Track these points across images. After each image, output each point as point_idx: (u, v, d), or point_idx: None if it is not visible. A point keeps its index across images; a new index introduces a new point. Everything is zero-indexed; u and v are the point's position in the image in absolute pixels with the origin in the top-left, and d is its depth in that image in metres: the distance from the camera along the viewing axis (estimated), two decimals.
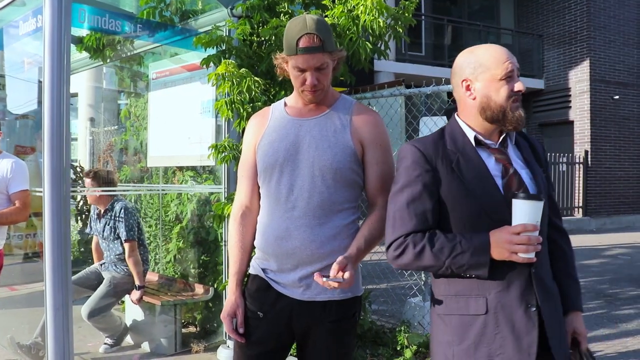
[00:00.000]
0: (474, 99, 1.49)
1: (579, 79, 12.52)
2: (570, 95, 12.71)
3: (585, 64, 12.35)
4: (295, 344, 1.79)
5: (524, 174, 1.49)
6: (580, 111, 12.49)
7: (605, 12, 12.54)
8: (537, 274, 1.44)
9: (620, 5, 12.76)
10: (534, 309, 1.42)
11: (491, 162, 1.48)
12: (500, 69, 1.45)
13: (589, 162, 12.30)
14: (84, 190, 5.58)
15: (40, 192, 2.59)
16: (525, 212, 1.35)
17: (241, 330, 1.72)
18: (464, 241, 1.40)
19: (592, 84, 12.31)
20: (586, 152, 12.32)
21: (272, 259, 1.71)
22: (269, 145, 1.71)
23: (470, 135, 1.51)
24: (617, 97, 12.62)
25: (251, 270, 1.79)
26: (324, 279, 1.45)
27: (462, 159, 1.48)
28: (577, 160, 12.24)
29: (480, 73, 1.47)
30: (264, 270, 1.74)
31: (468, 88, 1.51)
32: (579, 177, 12.20)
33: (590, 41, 12.32)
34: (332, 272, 1.46)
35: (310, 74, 1.64)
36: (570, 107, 12.70)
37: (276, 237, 1.67)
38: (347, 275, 1.46)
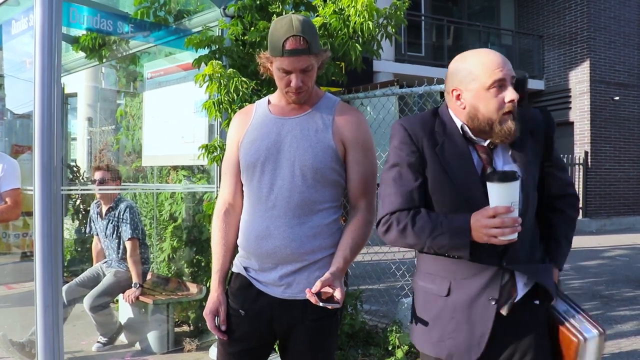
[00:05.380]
0: (464, 108, 1.45)
1: (579, 79, 12.49)
2: (570, 96, 12.68)
3: (586, 65, 12.31)
4: (277, 344, 1.79)
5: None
6: (580, 112, 12.46)
7: (605, 13, 12.51)
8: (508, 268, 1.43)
9: (621, 6, 12.72)
10: (494, 302, 1.41)
11: (475, 158, 1.46)
12: (489, 77, 1.36)
13: (589, 163, 12.27)
14: (81, 189, 5.58)
15: (32, 190, 2.60)
16: (497, 194, 1.33)
17: (223, 328, 1.73)
18: (445, 222, 1.40)
19: (593, 84, 12.28)
20: (586, 153, 12.29)
21: (253, 258, 1.71)
22: (250, 144, 1.71)
23: (458, 124, 1.48)
24: (617, 98, 12.59)
25: (234, 269, 1.79)
26: (321, 303, 1.47)
27: (447, 143, 1.46)
28: (577, 162, 12.21)
29: (470, 82, 1.40)
30: (245, 268, 1.74)
31: (458, 97, 1.45)
32: (579, 178, 12.16)
33: (590, 42, 12.29)
34: (315, 288, 1.48)
35: (295, 76, 1.62)
36: (571, 108, 12.66)
37: (256, 236, 1.67)
38: (337, 293, 1.50)
